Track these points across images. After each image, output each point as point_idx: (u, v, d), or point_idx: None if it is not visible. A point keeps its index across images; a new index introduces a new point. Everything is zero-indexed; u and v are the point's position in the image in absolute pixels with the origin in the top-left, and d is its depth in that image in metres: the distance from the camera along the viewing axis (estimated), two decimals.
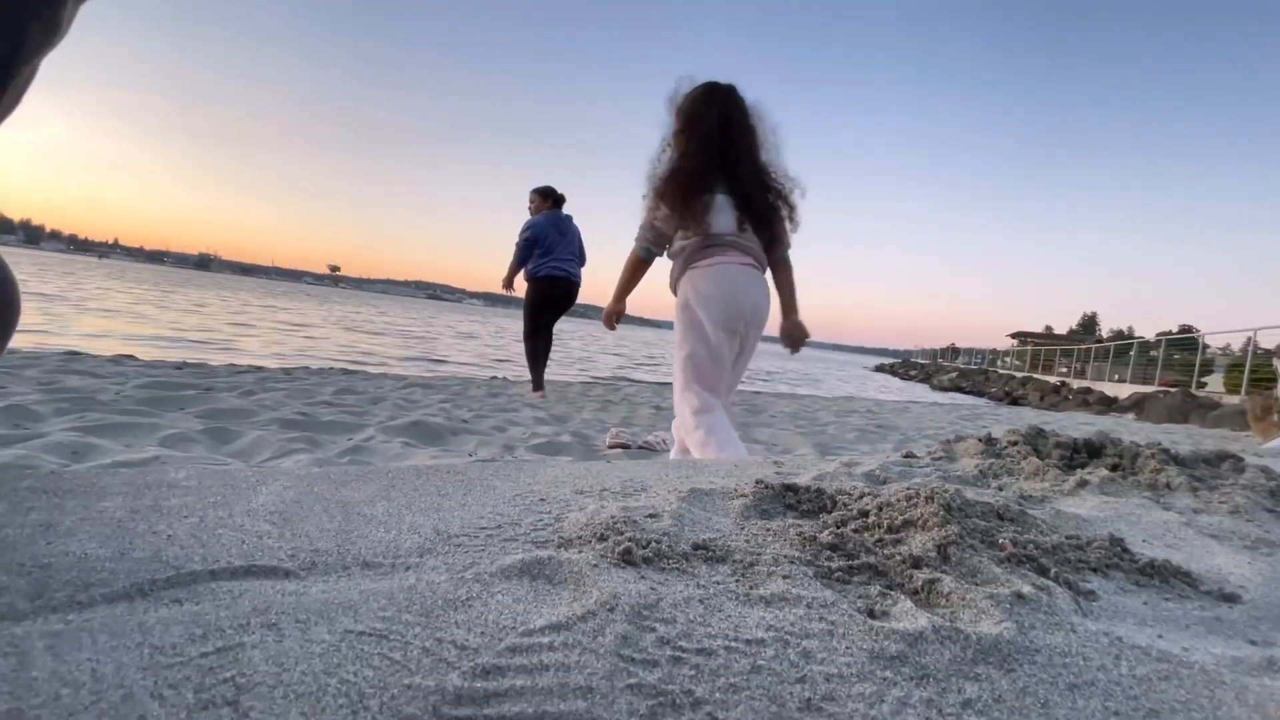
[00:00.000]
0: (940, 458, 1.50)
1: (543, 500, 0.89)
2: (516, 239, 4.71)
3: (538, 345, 4.90)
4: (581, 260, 4.85)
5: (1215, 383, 21.43)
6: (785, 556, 0.70)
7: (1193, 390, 16.92)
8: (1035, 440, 1.59)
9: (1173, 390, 14.57)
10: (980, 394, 26.98)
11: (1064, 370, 29.71)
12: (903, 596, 0.62)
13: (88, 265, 69.86)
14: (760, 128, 1.88)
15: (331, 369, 6.79)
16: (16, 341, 3.59)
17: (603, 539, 0.71)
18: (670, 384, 1.99)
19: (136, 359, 5.72)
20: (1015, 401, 22.36)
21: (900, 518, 0.81)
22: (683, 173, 1.79)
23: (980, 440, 1.59)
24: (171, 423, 2.61)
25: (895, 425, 6.22)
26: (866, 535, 0.78)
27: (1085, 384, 20.37)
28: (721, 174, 1.82)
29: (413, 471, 1.00)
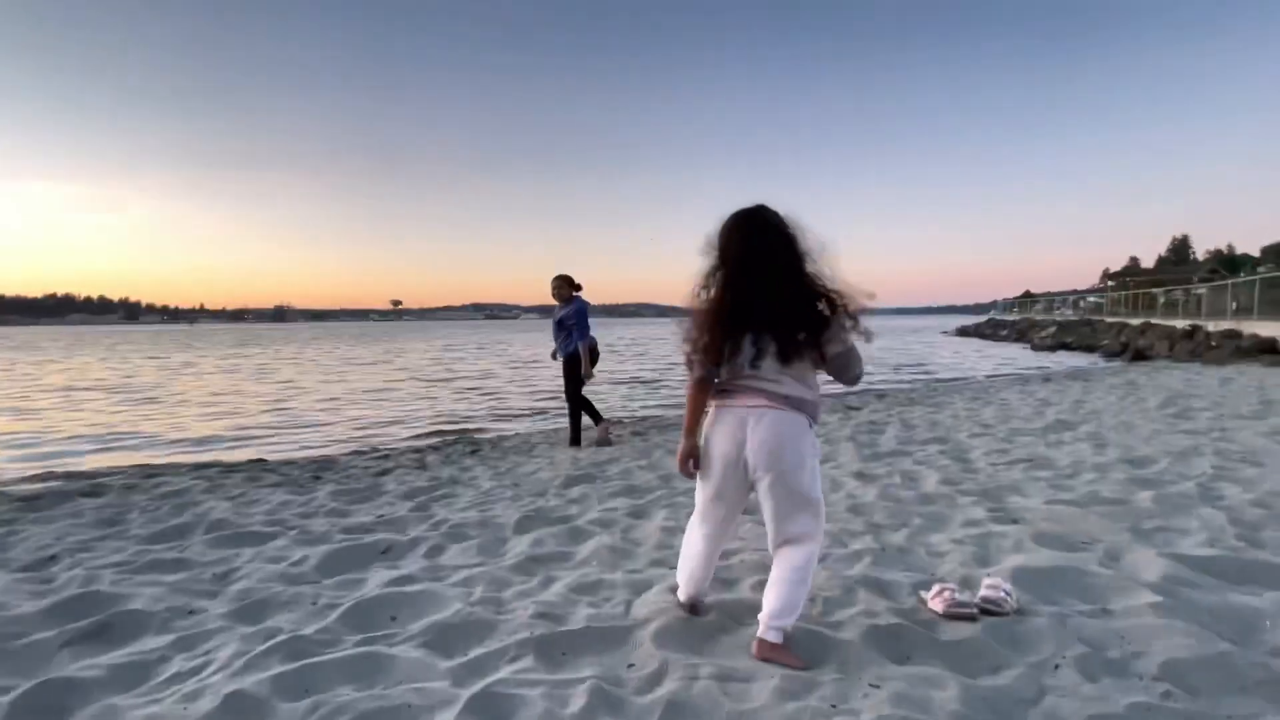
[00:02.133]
0: None
1: None
2: (572, 320, 5.87)
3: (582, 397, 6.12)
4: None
5: None
6: None
7: None
8: None
9: None
10: (1090, 349, 24.52)
11: (1169, 309, 26.56)
12: None
13: (193, 334, 74.96)
14: (798, 242, 1.83)
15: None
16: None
17: None
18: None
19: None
20: (1140, 355, 20.02)
21: None
22: (708, 317, 1.82)
23: None
24: None
25: (1099, 434, 5.11)
26: None
27: (1228, 325, 17.87)
28: (750, 311, 1.79)
29: None
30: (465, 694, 1.62)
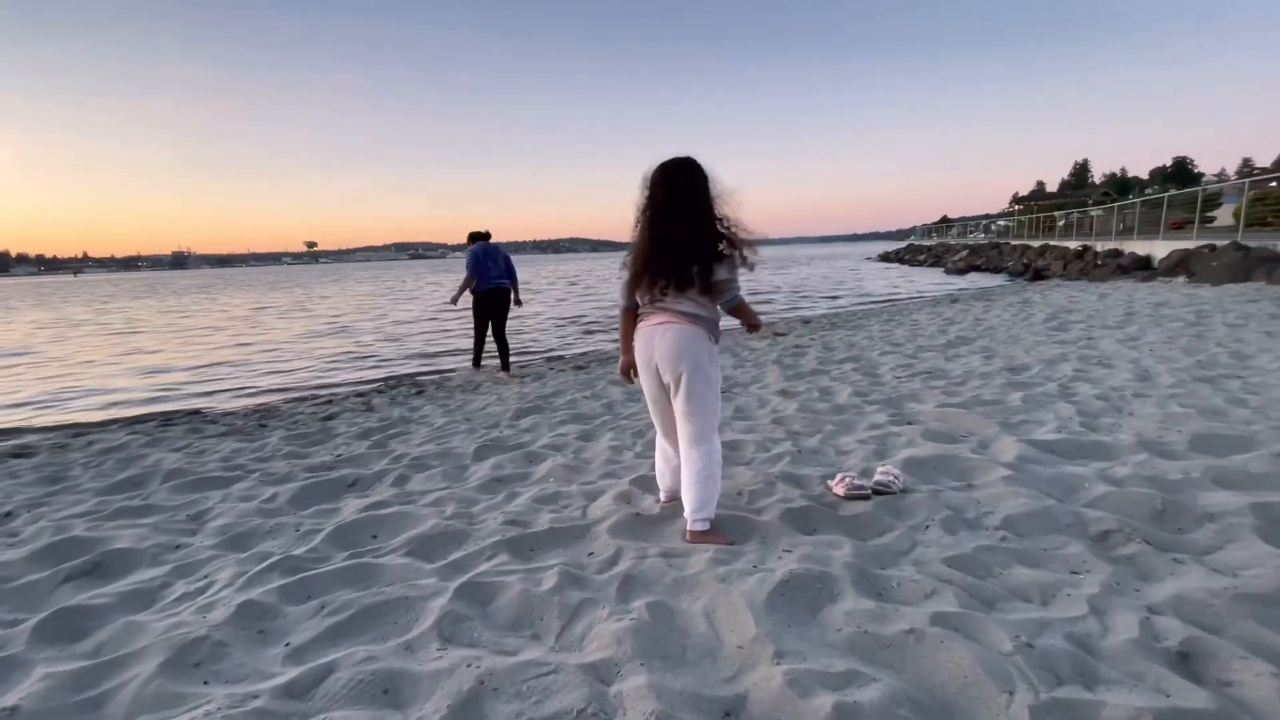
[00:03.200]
0: None
1: None
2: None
3: (480, 339, 7.19)
4: (511, 275, 7.11)
5: (1224, 215, 20.74)
6: None
7: (1195, 226, 16.45)
8: None
9: (1206, 248, 13.91)
10: (997, 270, 26.38)
11: (1067, 231, 28.75)
12: None
13: (63, 286, 68.11)
14: (706, 190, 2.15)
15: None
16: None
17: None
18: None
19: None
20: (1039, 275, 21.77)
21: None
22: (633, 257, 2.21)
23: None
24: None
25: (987, 347, 5.79)
26: None
27: (1112, 245, 19.62)
28: (658, 250, 2.14)
29: None
30: (452, 585, 1.92)
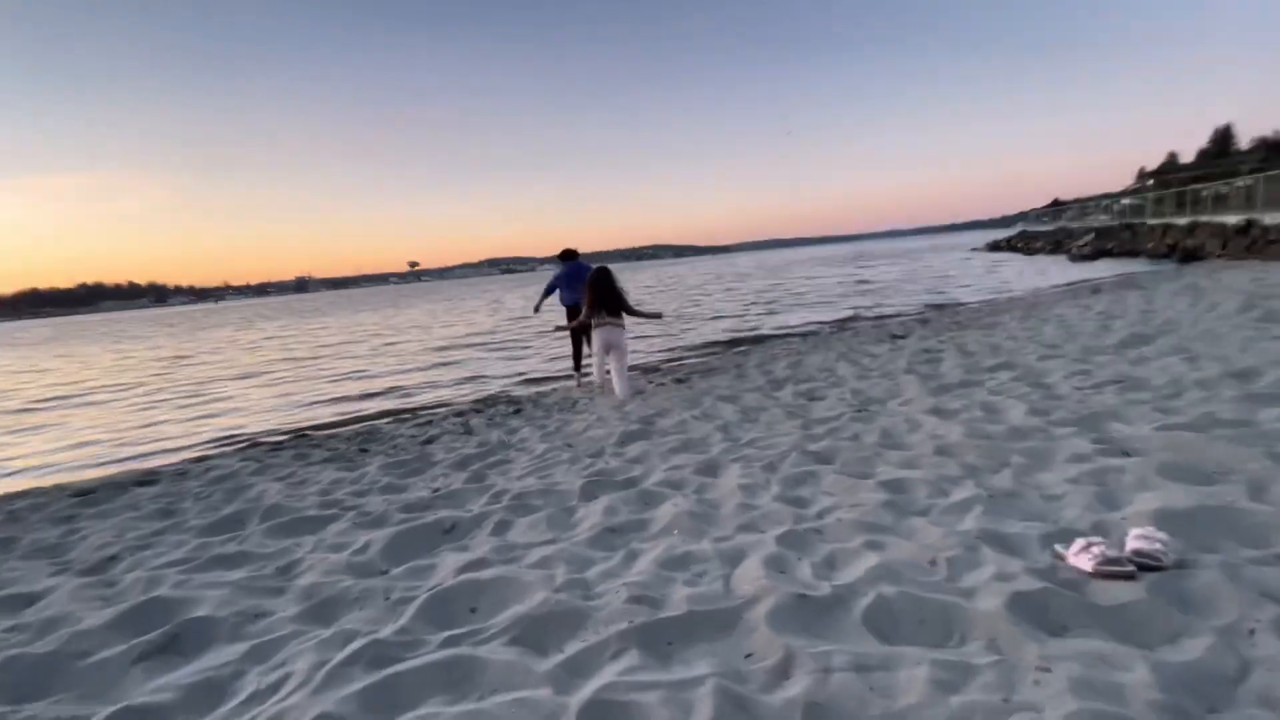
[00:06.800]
0: None
1: None
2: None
3: (577, 345, 7.53)
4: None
5: None
6: None
7: None
8: None
9: None
10: (1134, 254, 23.35)
11: (1219, 204, 24.88)
12: None
13: (215, 311, 76.06)
14: (617, 282, 6.17)
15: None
16: None
17: None
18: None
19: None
20: (1191, 256, 18.98)
21: None
22: (588, 303, 6.02)
23: None
24: None
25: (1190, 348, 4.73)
26: None
27: None
28: (601, 300, 5.97)
29: None
30: (573, 703, 1.45)
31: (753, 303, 18.44)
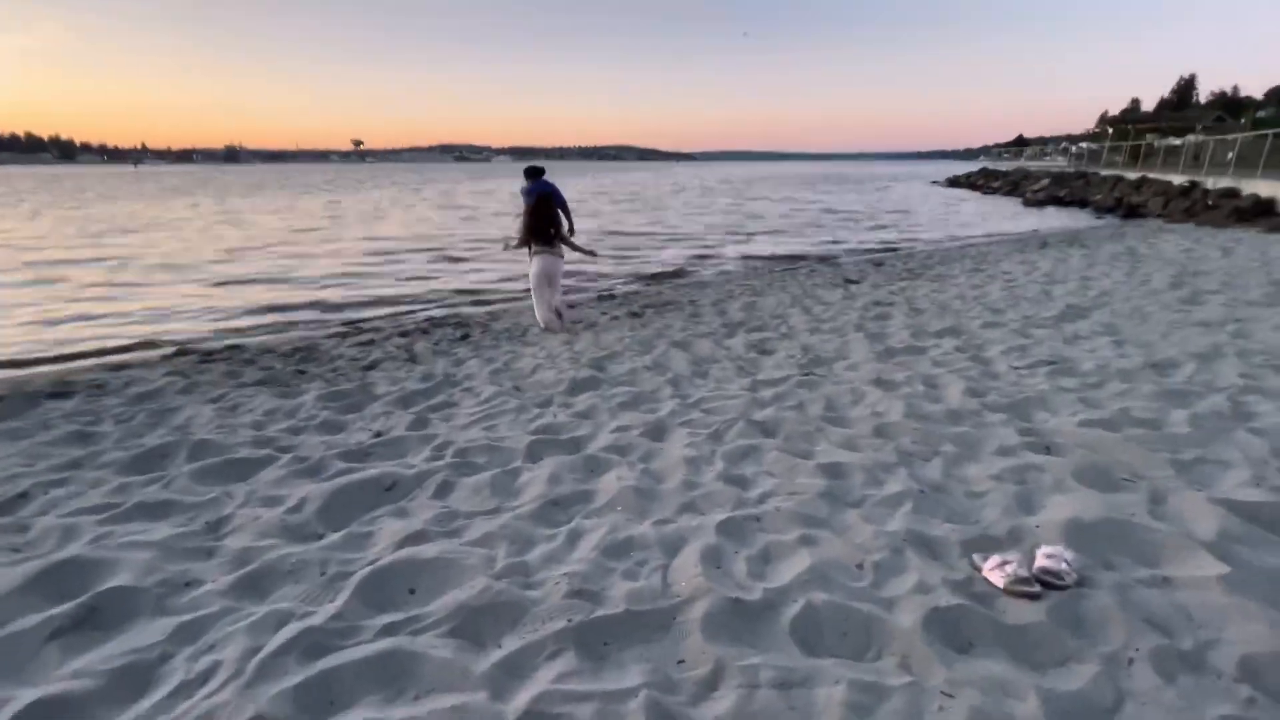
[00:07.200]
0: None
1: None
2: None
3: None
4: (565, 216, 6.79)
5: None
6: None
7: None
8: None
9: None
10: (1083, 204, 23.99)
11: (1171, 159, 25.52)
12: None
13: (138, 176, 69.16)
14: (559, 208, 6.13)
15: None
16: None
17: None
18: None
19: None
20: (1134, 212, 19.64)
21: None
22: (526, 230, 5.95)
23: None
24: None
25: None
26: None
27: (1227, 183, 17.36)
28: (539, 228, 5.91)
29: None
30: (509, 712, 1.49)
31: (715, 225, 18.19)
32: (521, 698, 1.55)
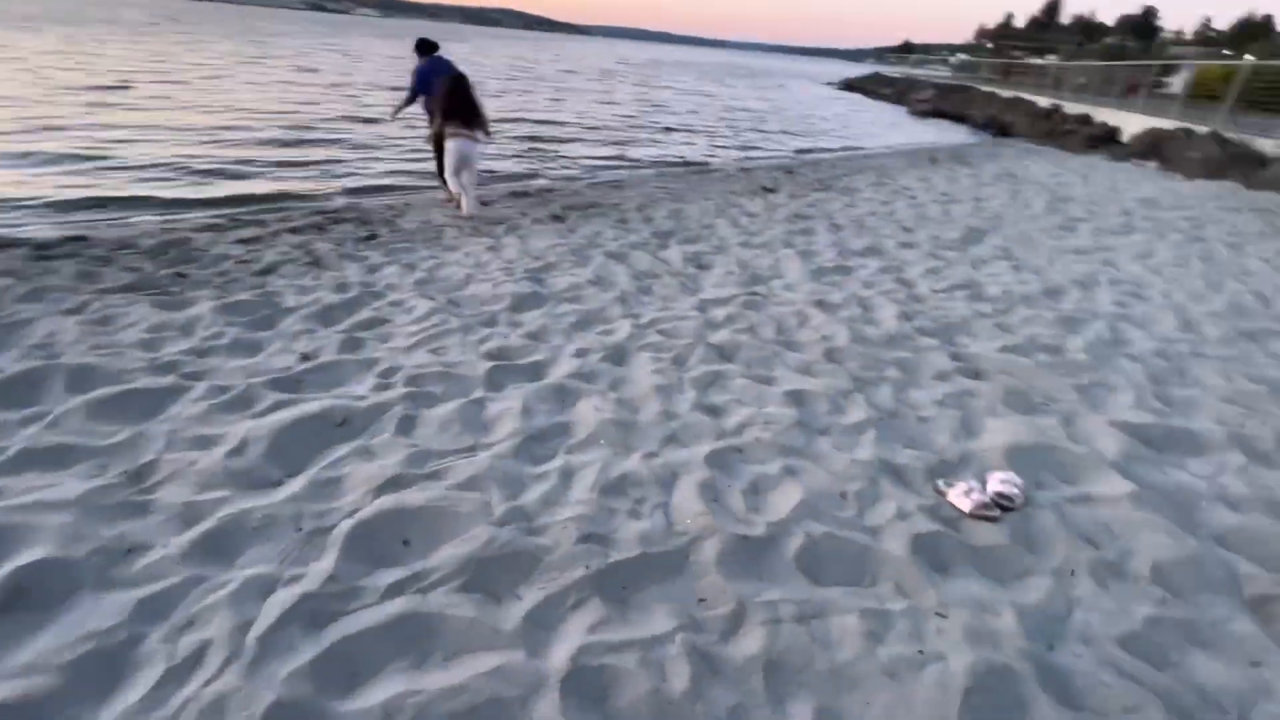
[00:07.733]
0: None
1: None
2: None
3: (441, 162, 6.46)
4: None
5: (1177, 83, 20.47)
6: None
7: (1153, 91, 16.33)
8: None
9: (1191, 130, 13.64)
10: (963, 119, 25.42)
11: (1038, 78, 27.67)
12: None
13: None
14: (475, 90, 5.83)
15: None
16: None
17: None
18: None
19: None
20: (1005, 130, 21.14)
21: None
22: (442, 112, 5.72)
23: None
24: None
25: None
26: None
27: (1083, 109, 19.05)
28: (458, 109, 5.69)
29: None
30: (551, 672, 1.49)
31: (623, 117, 17.26)
32: (559, 653, 1.55)
